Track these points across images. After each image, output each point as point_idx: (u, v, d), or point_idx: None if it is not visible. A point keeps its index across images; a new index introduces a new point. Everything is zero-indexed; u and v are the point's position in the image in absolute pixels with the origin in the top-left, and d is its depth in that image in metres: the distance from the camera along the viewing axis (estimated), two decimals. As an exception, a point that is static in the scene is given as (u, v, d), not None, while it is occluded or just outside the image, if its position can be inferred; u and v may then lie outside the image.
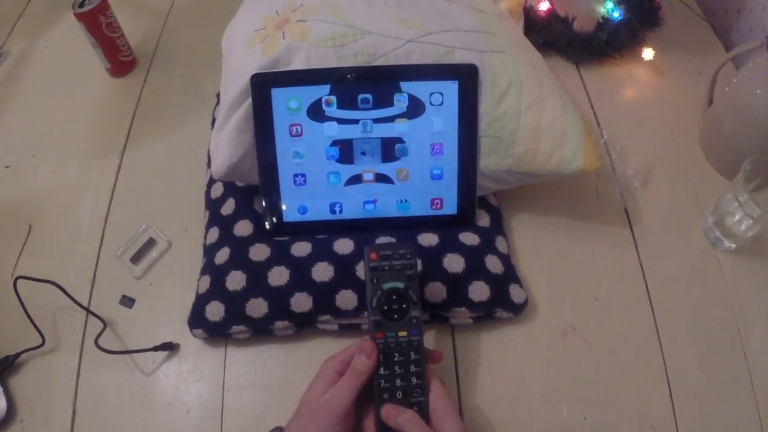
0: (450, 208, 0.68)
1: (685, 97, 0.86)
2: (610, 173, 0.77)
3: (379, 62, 0.64)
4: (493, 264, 0.65)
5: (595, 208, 0.75)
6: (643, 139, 0.82)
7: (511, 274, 0.66)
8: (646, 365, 0.64)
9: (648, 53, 0.90)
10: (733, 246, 0.70)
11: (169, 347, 0.65)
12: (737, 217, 0.67)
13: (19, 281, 0.65)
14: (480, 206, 0.70)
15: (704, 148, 0.80)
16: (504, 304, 0.63)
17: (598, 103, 0.86)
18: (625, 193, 0.76)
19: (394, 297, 0.55)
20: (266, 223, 0.68)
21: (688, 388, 0.63)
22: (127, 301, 0.69)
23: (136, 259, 0.72)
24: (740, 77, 0.74)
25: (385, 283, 0.55)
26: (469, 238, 0.66)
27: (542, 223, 0.74)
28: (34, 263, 0.72)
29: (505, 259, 0.67)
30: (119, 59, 0.90)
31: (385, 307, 0.54)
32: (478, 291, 0.62)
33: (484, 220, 0.69)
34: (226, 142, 0.64)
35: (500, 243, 0.68)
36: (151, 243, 0.72)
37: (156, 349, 0.65)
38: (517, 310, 0.64)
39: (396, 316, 0.54)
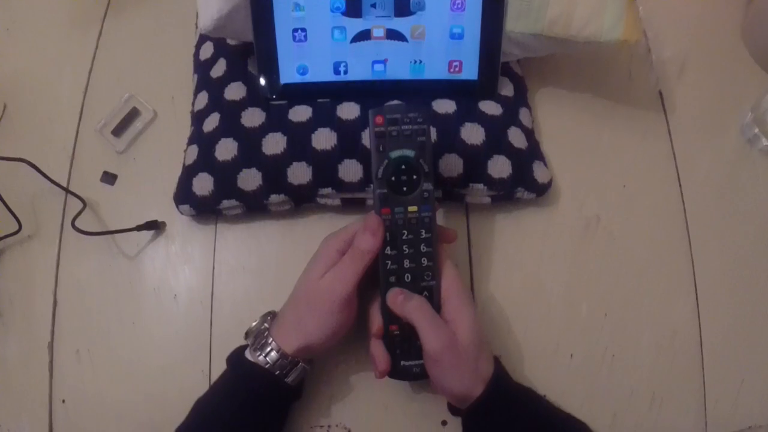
0: (470, 73, 0.61)
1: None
2: (645, 54, 0.71)
3: None
4: (516, 138, 0.59)
5: (627, 91, 0.69)
6: (682, 22, 0.75)
7: (535, 151, 0.61)
8: (673, 264, 0.61)
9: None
10: (771, 145, 0.65)
11: (154, 226, 0.62)
12: (779, 116, 0.62)
13: (-10, 162, 0.60)
14: (503, 73, 0.63)
15: (746, 40, 0.74)
16: (526, 183, 0.58)
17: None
18: (661, 77, 0.70)
19: (403, 167, 0.49)
20: (261, 85, 0.61)
21: (715, 292, 0.60)
22: (109, 178, 0.65)
23: (118, 131, 0.66)
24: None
25: (392, 151, 0.49)
26: (490, 108, 0.60)
27: (568, 102, 0.68)
28: (9, 144, 0.67)
29: (530, 134, 0.61)
30: None
31: (393, 179, 0.49)
32: (499, 167, 0.57)
33: (507, 89, 0.62)
34: (215, -9, 0.56)
35: (524, 116, 0.62)
36: (134, 113, 0.67)
37: (139, 228, 0.61)
38: (541, 190, 0.59)
39: (405, 189, 0.49)
